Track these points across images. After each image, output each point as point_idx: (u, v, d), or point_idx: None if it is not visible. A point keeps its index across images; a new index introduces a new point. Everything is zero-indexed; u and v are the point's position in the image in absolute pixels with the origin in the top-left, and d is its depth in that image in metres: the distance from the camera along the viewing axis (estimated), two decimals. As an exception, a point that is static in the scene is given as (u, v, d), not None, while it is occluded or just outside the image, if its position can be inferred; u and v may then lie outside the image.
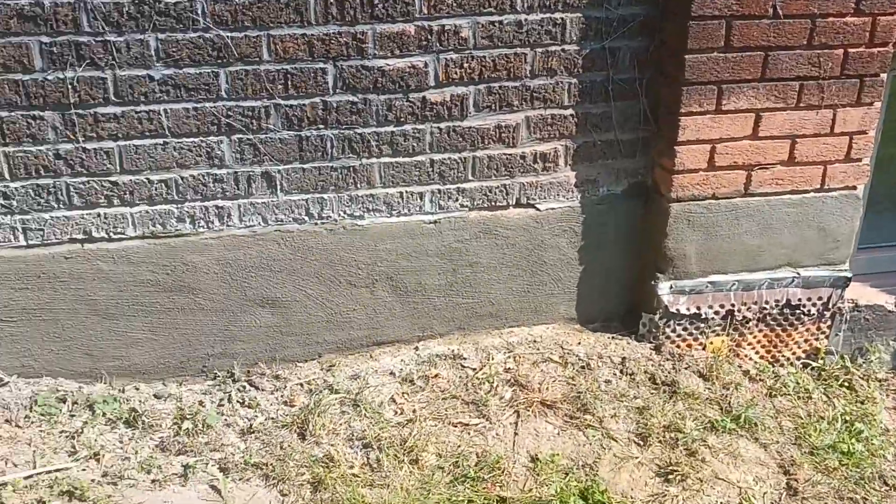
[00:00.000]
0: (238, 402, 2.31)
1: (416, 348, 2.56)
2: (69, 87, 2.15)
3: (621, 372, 2.40)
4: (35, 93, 2.14)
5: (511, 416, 2.21)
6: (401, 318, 2.56)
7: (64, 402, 2.26)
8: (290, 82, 2.28)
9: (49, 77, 2.14)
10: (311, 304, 2.48)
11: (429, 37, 2.30)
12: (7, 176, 2.21)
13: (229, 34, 2.20)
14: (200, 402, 2.30)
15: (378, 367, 2.46)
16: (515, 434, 2.14)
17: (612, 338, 2.59)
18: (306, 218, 2.42)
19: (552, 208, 2.54)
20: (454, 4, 2.27)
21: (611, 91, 2.44)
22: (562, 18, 2.35)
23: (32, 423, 2.18)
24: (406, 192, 2.45)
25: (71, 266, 2.30)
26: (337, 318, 2.51)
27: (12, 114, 2.16)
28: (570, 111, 2.46)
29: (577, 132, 2.48)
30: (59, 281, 2.31)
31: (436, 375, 2.39)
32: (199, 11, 2.16)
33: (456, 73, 2.34)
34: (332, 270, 2.46)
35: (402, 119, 2.37)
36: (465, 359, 2.48)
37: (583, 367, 2.42)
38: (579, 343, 2.56)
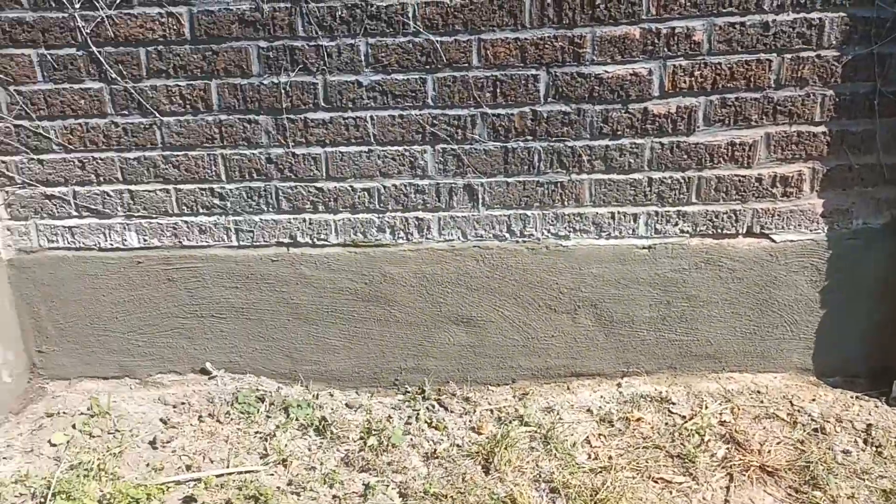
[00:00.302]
0: (425, 421, 2.51)
1: (619, 385, 2.60)
2: (282, 91, 2.42)
3: (865, 442, 2.27)
4: (251, 97, 2.44)
5: (722, 479, 2.18)
6: (603, 350, 2.61)
7: (262, 402, 2.61)
8: (498, 90, 2.37)
9: (265, 82, 2.42)
10: (507, 325, 2.62)
11: (655, 41, 2.26)
12: (223, 177, 2.55)
13: (439, 38, 2.33)
14: (388, 418, 2.54)
15: (574, 401, 2.54)
16: (726, 501, 2.12)
17: (856, 398, 2.44)
18: (507, 235, 2.54)
19: (791, 240, 2.42)
20: (688, 4, 2.21)
21: (877, 105, 2.25)
22: (819, 19, 2.19)
23: (232, 419, 2.54)
24: (618, 212, 2.47)
25: (276, 269, 2.62)
26: (534, 343, 2.62)
27: (230, 117, 2.47)
28: (821, 128, 2.31)
29: (828, 153, 2.33)
30: (264, 282, 2.64)
31: (638, 419, 2.42)
32: (410, 15, 2.31)
33: (684, 81, 2.29)
34: (532, 292, 2.57)
35: (619, 132, 2.38)
36: (673, 403, 2.47)
37: (815, 430, 2.31)
38: (813, 400, 2.44)
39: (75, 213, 2.56)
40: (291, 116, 2.41)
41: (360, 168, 2.45)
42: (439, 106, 2.37)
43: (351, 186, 2.48)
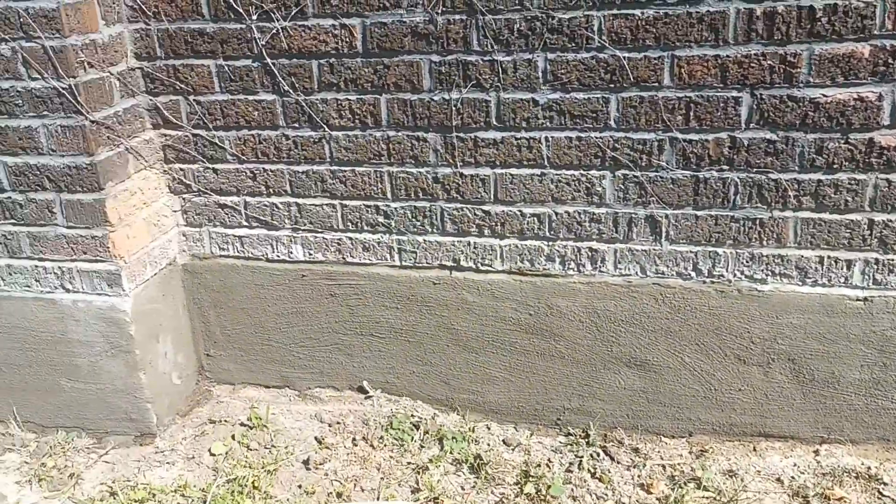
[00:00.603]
0: (588, 471, 2.55)
1: (816, 453, 2.49)
2: (453, 108, 2.52)
3: None
4: (421, 113, 2.56)
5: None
6: (800, 411, 2.51)
7: (417, 429, 2.77)
8: (692, 113, 2.33)
9: (435, 98, 2.53)
10: (686, 373, 2.59)
11: (890, 61, 2.11)
12: (389, 195, 2.71)
13: (626, 54, 2.32)
14: (548, 462, 2.61)
15: (762, 466, 2.47)
16: None
17: None
18: (693, 273, 2.50)
19: None
20: (937, 18, 2.04)
21: None
22: None
23: (385, 445, 2.72)
24: (828, 256, 2.34)
25: (438, 292, 2.76)
26: (717, 395, 2.58)
27: (398, 134, 2.62)
28: None
29: None
30: (425, 305, 2.79)
31: (840, 498, 2.31)
32: (595, 28, 2.32)
33: (926, 110, 2.12)
34: (718, 339, 2.51)
35: (836, 165, 2.25)
36: (884, 483, 2.33)
37: None
38: None
39: (245, 224, 2.84)
40: (461, 135, 2.51)
41: (530, 192, 2.51)
42: (622, 128, 2.36)
43: (520, 211, 2.55)
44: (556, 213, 2.45)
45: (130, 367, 2.67)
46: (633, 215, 2.39)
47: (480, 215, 2.52)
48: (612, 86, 2.28)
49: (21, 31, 2.35)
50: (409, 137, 2.50)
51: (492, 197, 2.49)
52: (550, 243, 2.49)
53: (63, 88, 2.39)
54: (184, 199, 2.79)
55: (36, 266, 2.67)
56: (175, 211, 2.82)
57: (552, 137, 2.38)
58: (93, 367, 2.71)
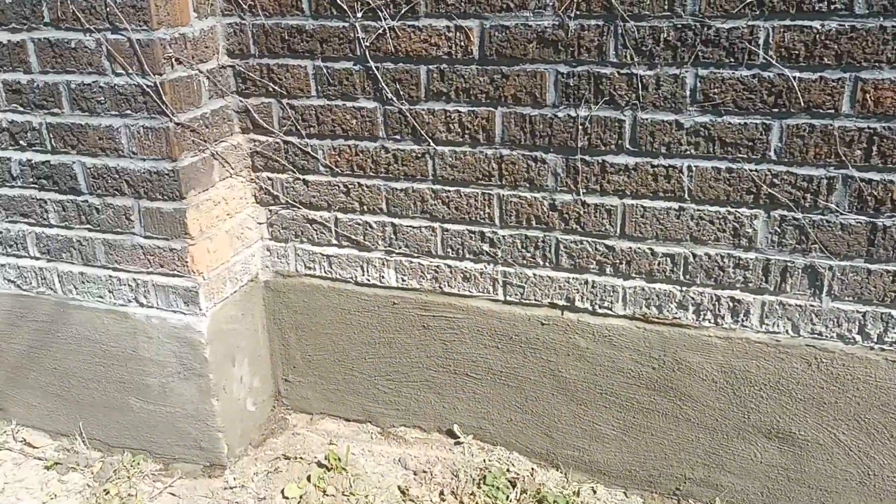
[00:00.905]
0: (714, 557, 2.12)
1: None
2: (579, 127, 2.12)
3: None
4: (541, 131, 2.17)
5: None
6: (983, 513, 2.03)
7: (513, 487, 2.37)
8: (875, 147, 1.87)
9: (559, 114, 2.14)
10: (839, 452, 2.13)
11: None
12: (497, 221, 2.32)
13: (797, 74, 1.88)
14: (665, 541, 2.19)
15: (929, 574, 2.00)
16: None
17: None
18: (858, 337, 2.04)
19: None
20: None
21: None
22: None
23: (476, 502, 2.35)
24: None
25: (545, 334, 2.36)
26: (876, 482, 2.10)
27: (513, 153, 2.23)
28: None
29: None
30: (530, 347, 2.39)
31: None
32: (760, 41, 1.88)
33: None
34: (883, 416, 2.05)
35: None
36: None
37: None
38: None
39: (335, 242, 2.49)
40: (587, 158, 2.11)
41: (665, 228, 2.09)
42: (784, 161, 1.93)
43: (650, 249, 2.13)
44: (694, 255, 2.03)
45: (203, 392, 2.36)
46: (789, 264, 1.95)
47: (603, 251, 2.11)
48: (775, 110, 1.84)
49: (107, 21, 2.06)
50: (525, 157, 2.11)
51: (618, 231, 2.08)
52: (684, 289, 2.07)
53: (148, 86, 2.08)
54: (270, 211, 2.46)
55: (110, 276, 2.38)
56: (260, 223, 2.49)
57: (696, 167, 1.95)
58: (163, 388, 2.41)
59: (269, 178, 2.46)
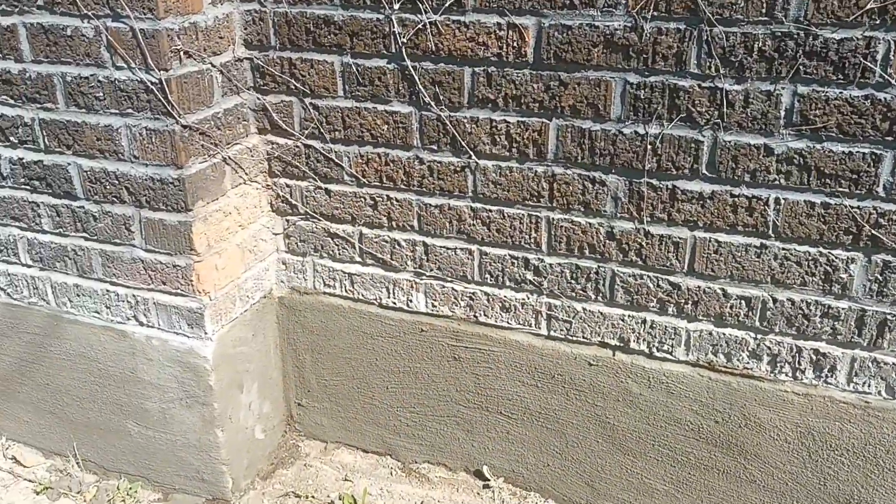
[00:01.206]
0: None
1: None
2: (648, 146, 1.77)
3: None
4: (602, 149, 1.82)
5: None
6: None
7: (550, 543, 2.06)
8: None
9: (625, 130, 1.78)
10: (933, 534, 1.79)
11: None
12: (543, 247, 1.97)
13: (920, 97, 1.53)
14: None
15: None
16: None
17: None
18: (968, 406, 1.69)
19: None
20: None
21: None
22: None
23: (512, 559, 2.03)
24: None
25: (593, 375, 2.02)
26: (975, 571, 1.78)
27: (567, 171, 1.88)
28: None
29: None
30: (574, 388, 2.06)
31: None
32: (879, 56, 1.52)
33: None
34: None
35: None
36: None
37: None
38: None
39: (358, 259, 2.15)
40: (654, 182, 1.75)
41: (741, 267, 1.74)
42: (895, 199, 1.57)
43: (722, 290, 1.78)
44: (775, 300, 1.68)
45: (207, 421, 2.03)
46: (889, 317, 1.60)
47: (666, 288, 1.76)
48: (889, 139, 1.49)
49: (107, 6, 1.71)
50: (581, 178, 1.76)
51: (685, 266, 1.73)
52: (759, 336, 1.72)
53: (152, 83, 1.73)
54: (287, 221, 2.12)
55: (107, 290, 2.04)
56: (276, 234, 2.15)
57: (786, 199, 1.60)
58: (164, 414, 2.09)
59: (288, 186, 2.11)
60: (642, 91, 1.68)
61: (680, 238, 1.77)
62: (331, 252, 2.16)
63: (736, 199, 1.69)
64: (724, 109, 1.63)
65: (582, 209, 1.84)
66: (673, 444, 1.92)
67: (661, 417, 1.91)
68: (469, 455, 2.19)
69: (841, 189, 1.60)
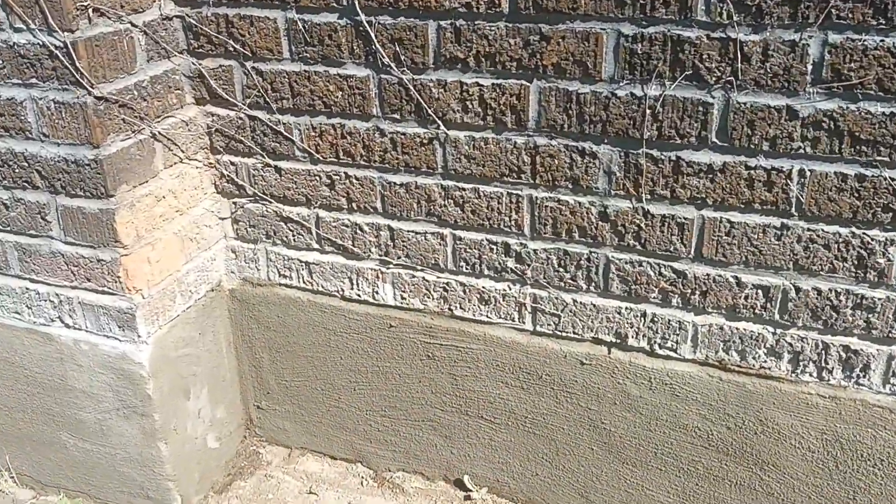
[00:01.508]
0: None
1: None
2: (647, 111, 1.48)
3: None
4: (592, 115, 1.52)
5: None
6: None
7: (540, 563, 1.81)
8: None
9: (619, 92, 1.48)
10: (981, 555, 1.55)
11: None
12: (526, 231, 1.69)
13: (980, 44, 1.24)
14: None
15: None
16: None
17: None
18: None
19: None
20: None
21: None
22: None
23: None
24: None
25: (585, 376, 1.75)
26: None
27: (552, 142, 1.58)
28: None
29: None
30: (564, 390, 1.79)
31: None
32: (928, -5, 1.23)
33: None
34: None
35: None
36: None
37: None
38: None
39: (316, 246, 1.86)
40: (654, 153, 1.47)
41: (758, 252, 1.47)
42: (945, 169, 1.29)
43: (735, 278, 1.51)
44: (798, 289, 1.41)
45: (148, 434, 1.77)
46: (936, 308, 1.33)
47: (669, 276, 1.49)
48: (940, 96, 1.20)
49: (-4, -47, 1.39)
50: (568, 149, 1.47)
51: (691, 251, 1.46)
52: (779, 331, 1.46)
53: (56, 47, 1.43)
54: (235, 204, 1.83)
55: (27, 288, 1.76)
56: (222, 219, 1.86)
57: (812, 171, 1.32)
58: (101, 425, 1.83)
59: (233, 164, 1.81)
60: (639, 45, 1.39)
61: (685, 218, 1.49)
62: (285, 238, 1.87)
63: (752, 172, 1.41)
64: (739, 65, 1.34)
65: (570, 186, 1.55)
66: (678, 453, 1.66)
67: (665, 423, 1.65)
68: (448, 463, 1.93)
69: (880, 158, 1.32)
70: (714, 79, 1.38)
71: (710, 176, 1.45)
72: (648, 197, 1.51)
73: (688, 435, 1.65)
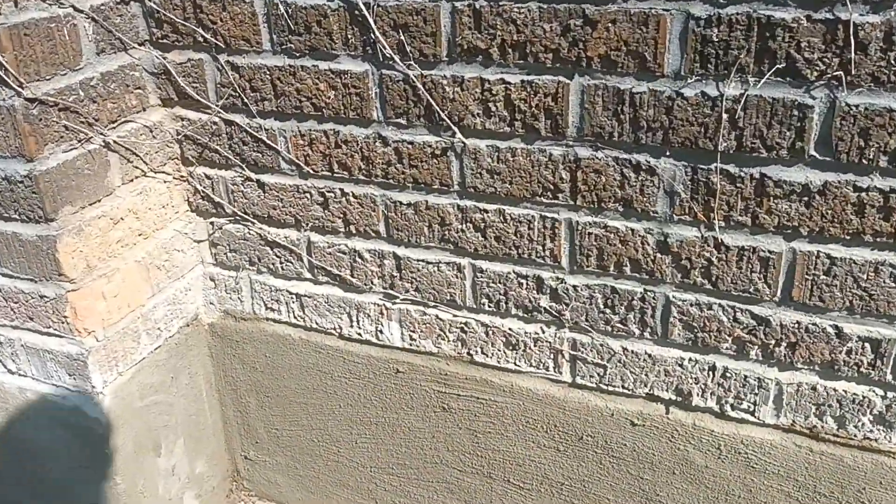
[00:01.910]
0: None
1: None
2: (721, 116, 1.15)
3: None
4: (650, 120, 1.20)
5: None
6: None
7: None
8: None
9: (686, 92, 1.16)
10: None
11: None
12: (564, 263, 1.37)
13: None
14: None
15: None
16: None
17: None
18: None
19: None
20: None
21: None
22: None
23: None
24: None
25: (637, 439, 1.44)
26: None
27: (598, 154, 1.26)
28: None
29: None
30: (610, 455, 1.48)
31: None
32: None
33: None
34: None
35: None
36: None
37: None
38: None
39: (308, 275, 1.56)
40: (731, 168, 1.14)
41: (867, 296, 1.14)
42: None
43: (835, 328, 1.18)
44: (921, 345, 1.08)
45: (111, 499, 1.47)
46: None
47: (747, 323, 1.17)
48: None
49: None
50: (618, 163, 1.15)
51: (777, 293, 1.14)
52: (892, 395, 1.13)
53: (-28, 36, 1.12)
54: (212, 224, 1.53)
55: (-38, 328, 1.46)
56: (198, 241, 1.56)
57: (946, 195, 0.99)
58: (61, 484, 1.53)
59: (208, 177, 1.51)
60: (715, 30, 1.06)
61: (771, 252, 1.17)
62: (271, 266, 1.56)
63: (863, 195, 1.08)
64: (851, 55, 1.00)
65: (620, 209, 1.23)
66: (753, 537, 1.34)
67: (737, 499, 1.33)
68: (467, 532, 1.62)
69: None
70: (815, 74, 1.05)
71: (806, 199, 1.12)
72: (722, 224, 1.18)
73: (766, 516, 1.33)
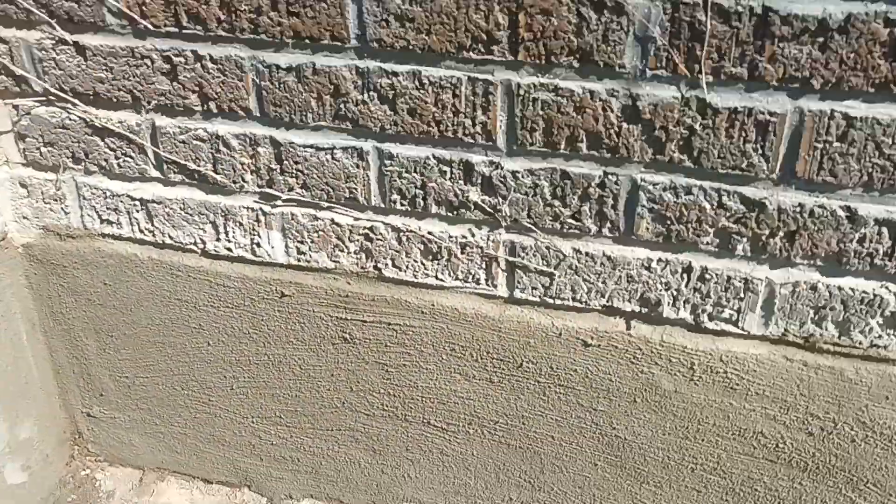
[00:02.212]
0: None
1: None
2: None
3: None
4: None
5: None
6: None
7: None
8: None
9: None
10: None
11: None
12: (500, 142, 1.07)
13: None
14: None
15: None
16: None
17: None
18: None
19: None
20: None
21: None
22: None
23: None
24: None
25: (590, 363, 1.17)
26: None
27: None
28: None
29: None
30: (556, 383, 1.21)
31: None
32: None
33: None
34: None
35: None
36: None
37: None
38: None
39: (156, 174, 1.19)
40: (724, 1, 0.86)
41: (893, 165, 0.91)
42: None
43: (847, 209, 0.98)
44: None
45: None
46: None
47: (736, 209, 1.01)
48: None
49: None
50: (573, 0, 0.85)
51: (776, 168, 0.98)
52: (912, 294, 0.92)
53: None
54: (17, 109, 1.12)
55: None
56: (1, 133, 1.14)
57: None
58: None
59: (3, 40, 1.09)
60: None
61: (772, 114, 0.94)
62: (104, 162, 1.18)
63: (897, 30, 0.83)
64: None
65: (575, 64, 0.93)
66: (729, 471, 1.13)
67: (712, 429, 1.10)
68: (379, 487, 1.35)
69: None
70: None
71: (822, 39, 0.85)
72: (710, 80, 0.91)
73: (746, 446, 1.12)
